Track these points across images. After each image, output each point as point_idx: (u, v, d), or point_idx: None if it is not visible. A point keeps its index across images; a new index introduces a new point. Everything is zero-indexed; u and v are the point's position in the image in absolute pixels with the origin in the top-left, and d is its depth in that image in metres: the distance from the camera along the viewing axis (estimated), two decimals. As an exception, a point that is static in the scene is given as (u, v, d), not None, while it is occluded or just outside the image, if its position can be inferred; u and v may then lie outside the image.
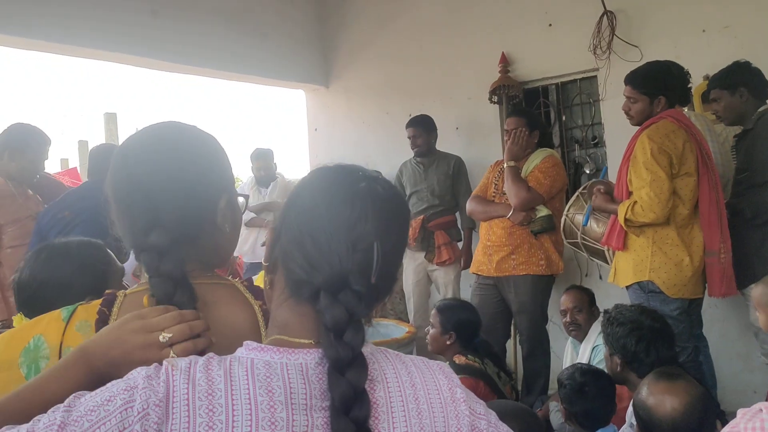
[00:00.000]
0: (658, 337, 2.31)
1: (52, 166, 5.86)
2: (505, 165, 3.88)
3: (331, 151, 5.88)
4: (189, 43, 4.66)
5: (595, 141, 4.65)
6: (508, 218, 3.83)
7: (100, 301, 1.11)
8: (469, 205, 4.08)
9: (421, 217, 4.57)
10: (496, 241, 3.85)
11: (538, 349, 3.90)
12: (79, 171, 5.94)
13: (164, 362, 0.87)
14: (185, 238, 1.09)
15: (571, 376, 2.30)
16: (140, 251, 1.07)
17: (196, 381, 0.84)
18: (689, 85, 3.17)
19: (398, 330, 4.34)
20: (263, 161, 5.22)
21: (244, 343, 0.92)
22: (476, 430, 0.96)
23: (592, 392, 2.22)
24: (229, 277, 1.20)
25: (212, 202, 1.15)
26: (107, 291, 1.13)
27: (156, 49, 4.52)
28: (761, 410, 1.13)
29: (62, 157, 7.25)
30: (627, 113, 3.17)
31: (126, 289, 1.18)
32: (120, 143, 1.22)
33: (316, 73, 5.80)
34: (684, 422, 1.60)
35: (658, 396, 1.69)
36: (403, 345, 4.09)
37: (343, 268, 0.89)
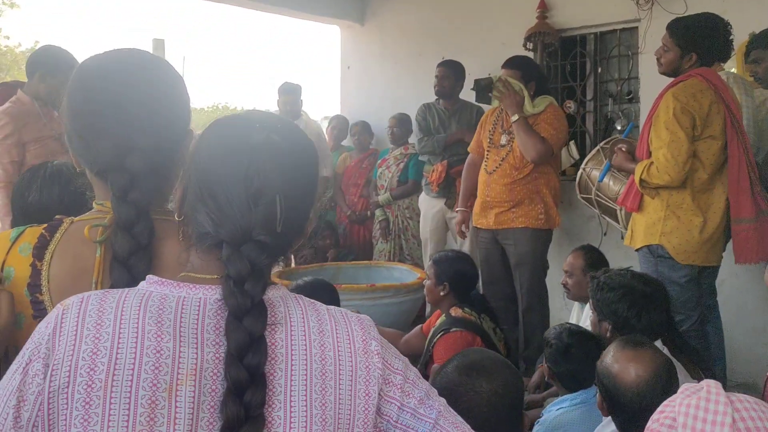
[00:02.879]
0: (650, 302, 2.24)
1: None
2: (512, 119, 3.70)
3: (362, 90, 5.83)
4: None
5: (630, 96, 4.46)
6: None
7: (45, 225, 1.10)
8: (463, 173, 4.11)
9: (445, 162, 4.50)
10: (496, 198, 3.78)
11: (537, 303, 3.87)
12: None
13: (58, 304, 0.90)
14: (158, 167, 1.09)
15: (559, 335, 2.26)
16: (111, 171, 1.06)
17: (86, 312, 0.87)
18: (730, 44, 2.98)
19: (411, 275, 4.34)
20: (291, 96, 5.15)
21: (147, 276, 0.94)
22: (389, 383, 0.96)
23: (578, 354, 2.18)
24: None
25: (181, 135, 1.15)
26: (56, 216, 1.12)
27: None
28: (703, 388, 1.08)
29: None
30: (657, 59, 3.01)
31: None
32: (88, 61, 1.19)
33: (352, 9, 5.70)
34: (648, 390, 1.56)
35: (623, 363, 1.65)
36: (413, 291, 4.10)
37: (245, 222, 0.90)
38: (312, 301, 0.99)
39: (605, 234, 4.25)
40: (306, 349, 0.91)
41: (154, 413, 0.83)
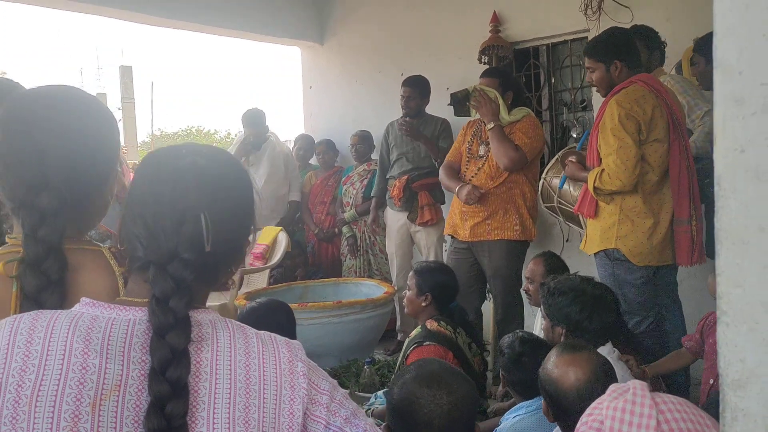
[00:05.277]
0: (600, 303, 2.29)
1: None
2: (487, 127, 3.75)
3: (324, 109, 5.87)
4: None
5: (584, 104, 4.56)
6: (456, 195, 3.82)
7: None
8: (440, 173, 4.05)
9: (406, 177, 4.55)
10: (471, 207, 3.78)
11: (512, 314, 3.89)
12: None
13: None
14: (70, 203, 1.11)
15: (511, 344, 2.28)
16: (22, 208, 1.08)
17: (18, 331, 0.90)
18: (661, 47, 3.08)
19: (379, 290, 4.37)
20: (253, 128, 5.13)
21: (81, 299, 0.97)
22: (315, 403, 0.99)
23: (529, 362, 2.19)
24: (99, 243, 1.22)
25: (103, 171, 1.18)
26: None
27: (154, 5, 4.62)
28: (629, 390, 1.11)
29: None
30: (592, 85, 3.11)
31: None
32: (23, 92, 1.22)
33: (311, 29, 5.75)
34: (587, 392, 1.59)
35: (562, 368, 1.69)
36: (380, 305, 4.13)
37: (169, 242, 0.94)
38: (241, 324, 1.02)
39: (567, 240, 4.32)
40: (231, 369, 0.94)
41: (77, 427, 0.85)
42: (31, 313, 0.93)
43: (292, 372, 0.98)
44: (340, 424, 1.00)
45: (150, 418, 0.87)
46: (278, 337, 1.03)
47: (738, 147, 0.81)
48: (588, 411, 1.14)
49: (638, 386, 1.13)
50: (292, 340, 1.04)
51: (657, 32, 3.54)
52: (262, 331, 1.03)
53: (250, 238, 1.08)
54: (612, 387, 1.17)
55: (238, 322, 1.02)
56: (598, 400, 1.16)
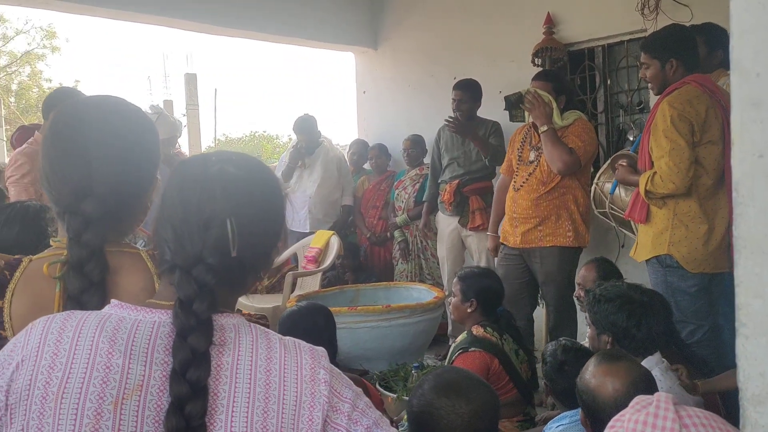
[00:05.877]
0: (648, 310, 2.22)
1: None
2: (540, 130, 3.67)
3: (377, 114, 5.91)
4: (244, 7, 4.91)
5: (641, 106, 4.44)
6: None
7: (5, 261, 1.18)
8: (495, 190, 4.09)
9: (456, 181, 4.53)
10: (522, 213, 3.74)
11: (565, 321, 3.81)
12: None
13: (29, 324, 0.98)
14: (113, 209, 1.16)
15: (553, 353, 2.24)
16: (67, 213, 1.14)
17: (49, 330, 0.95)
18: (724, 46, 2.96)
19: (429, 295, 4.35)
20: (305, 135, 5.19)
21: (111, 300, 1.01)
22: (336, 410, 0.99)
23: (572, 371, 2.14)
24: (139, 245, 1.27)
25: (145, 179, 1.22)
26: (15, 256, 1.20)
27: (217, 16, 4.81)
28: (653, 402, 1.08)
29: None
30: (646, 81, 3.01)
31: None
32: (74, 102, 1.28)
33: (365, 35, 5.81)
34: (626, 403, 1.55)
35: (600, 378, 1.64)
36: (430, 310, 4.11)
37: (195, 246, 0.97)
38: (266, 330, 1.04)
39: (623, 246, 4.21)
40: (251, 373, 0.96)
41: (99, 424, 0.89)
42: (63, 313, 0.98)
43: (314, 379, 0.99)
44: None
45: (170, 417, 0.89)
46: (303, 343, 1.04)
47: (756, 152, 0.78)
48: (611, 423, 1.11)
49: (662, 398, 1.09)
50: (316, 347, 1.05)
51: (723, 30, 3.39)
52: (288, 337, 1.04)
53: (280, 244, 1.10)
54: (636, 399, 1.14)
55: (263, 328, 1.03)
56: (620, 413, 1.12)
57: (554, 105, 3.65)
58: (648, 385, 1.62)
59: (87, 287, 1.08)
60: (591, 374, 1.69)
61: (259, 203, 1.03)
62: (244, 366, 0.96)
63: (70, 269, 1.10)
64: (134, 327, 0.95)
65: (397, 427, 1.51)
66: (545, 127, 3.62)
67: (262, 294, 4.81)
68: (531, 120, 3.72)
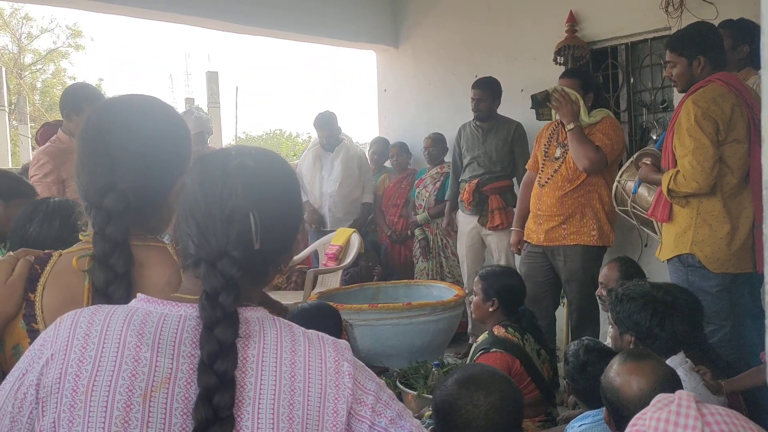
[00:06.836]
0: (672, 310, 2.21)
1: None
2: (567, 127, 3.65)
3: (398, 112, 5.92)
4: (266, 6, 4.95)
5: (664, 105, 4.40)
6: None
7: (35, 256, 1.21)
8: (520, 188, 4.08)
9: (476, 180, 4.53)
10: (547, 211, 3.73)
11: (587, 319, 3.80)
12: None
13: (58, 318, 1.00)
14: (136, 205, 1.18)
15: (575, 353, 2.24)
16: (93, 208, 1.17)
17: (77, 324, 0.97)
18: (752, 42, 2.92)
19: (450, 293, 4.36)
20: (325, 130, 5.26)
21: (137, 294, 1.03)
22: (360, 402, 1.01)
23: (594, 371, 2.13)
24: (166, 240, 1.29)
25: (170, 179, 1.24)
26: (45, 251, 1.23)
27: (239, 14, 4.84)
28: (674, 400, 1.08)
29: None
30: (671, 80, 2.98)
31: None
32: (105, 101, 1.32)
33: (386, 33, 5.82)
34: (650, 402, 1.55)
35: (625, 377, 1.64)
36: (450, 308, 4.12)
37: (219, 240, 0.99)
38: (290, 323, 1.05)
39: (646, 245, 4.17)
40: (276, 366, 0.98)
41: (129, 417, 0.91)
42: (91, 307, 1.01)
43: (338, 371, 1.01)
44: (385, 424, 1.02)
45: (198, 408, 0.91)
46: (326, 336, 1.06)
47: (784, 150, 0.78)
48: (632, 421, 1.12)
49: (684, 397, 1.09)
50: (339, 340, 1.06)
51: (751, 25, 3.30)
52: (311, 330, 1.06)
53: (299, 236, 1.11)
54: (657, 397, 1.14)
55: (286, 321, 1.05)
56: (642, 411, 1.13)
57: (581, 103, 3.64)
58: (673, 385, 1.62)
59: (112, 279, 1.11)
60: (616, 372, 1.69)
61: (280, 196, 1.05)
62: (270, 358, 0.98)
63: (96, 262, 1.12)
64: (161, 321, 0.97)
65: None
66: (572, 125, 3.61)
67: (285, 291, 4.86)
68: (558, 117, 3.71)
